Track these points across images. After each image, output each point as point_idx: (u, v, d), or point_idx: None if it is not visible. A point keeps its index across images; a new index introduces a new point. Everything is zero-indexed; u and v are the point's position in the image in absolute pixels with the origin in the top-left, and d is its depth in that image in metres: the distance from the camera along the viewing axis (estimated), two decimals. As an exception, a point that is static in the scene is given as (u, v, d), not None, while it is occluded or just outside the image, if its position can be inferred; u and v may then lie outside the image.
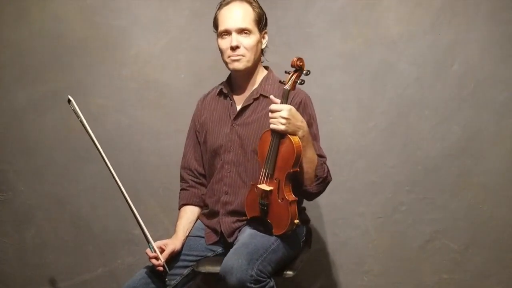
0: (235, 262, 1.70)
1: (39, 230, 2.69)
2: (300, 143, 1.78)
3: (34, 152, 2.67)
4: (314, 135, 1.94)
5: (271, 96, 1.84)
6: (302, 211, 2.07)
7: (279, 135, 1.79)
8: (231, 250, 1.80)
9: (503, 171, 2.44)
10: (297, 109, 1.87)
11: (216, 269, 1.85)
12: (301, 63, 1.79)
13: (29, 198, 2.69)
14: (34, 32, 2.64)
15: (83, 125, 1.91)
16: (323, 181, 1.89)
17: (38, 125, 2.66)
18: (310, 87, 2.48)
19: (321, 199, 2.52)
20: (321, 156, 1.92)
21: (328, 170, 1.92)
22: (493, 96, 2.43)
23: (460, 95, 2.45)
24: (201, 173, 2.12)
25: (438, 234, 2.48)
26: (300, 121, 1.80)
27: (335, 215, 2.54)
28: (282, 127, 1.76)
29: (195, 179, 2.11)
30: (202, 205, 2.11)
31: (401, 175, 2.50)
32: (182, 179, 2.14)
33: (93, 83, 2.64)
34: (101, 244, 2.66)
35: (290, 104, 1.84)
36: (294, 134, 1.78)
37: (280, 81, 1.85)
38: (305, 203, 2.14)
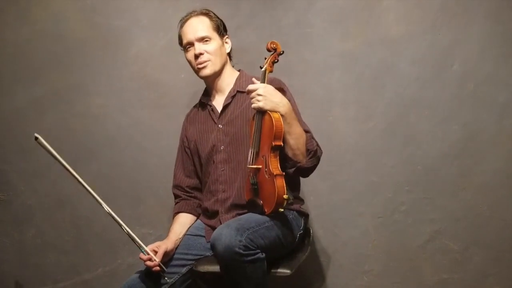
0: (224, 230, 1.73)
1: (39, 230, 2.69)
2: (280, 118, 1.85)
3: (34, 152, 2.67)
4: (297, 111, 2.03)
5: (253, 79, 1.96)
6: (299, 204, 2.10)
7: (261, 114, 1.90)
8: (223, 223, 1.85)
9: (503, 171, 2.44)
10: None
11: (214, 268, 1.85)
12: (274, 45, 1.95)
13: (29, 198, 2.69)
14: (35, 32, 2.64)
15: (56, 159, 1.94)
16: (315, 154, 1.95)
17: (38, 125, 2.66)
18: (310, 87, 2.49)
19: (321, 199, 2.53)
20: (306, 131, 1.98)
21: (317, 143, 1.98)
22: (493, 96, 2.43)
23: (460, 95, 2.45)
24: (193, 187, 2.20)
25: (438, 234, 2.48)
26: (278, 98, 1.89)
27: (335, 215, 2.54)
28: (259, 104, 1.87)
29: (187, 194, 2.20)
30: (195, 214, 2.17)
31: (401, 175, 2.50)
32: (175, 196, 2.23)
33: (93, 83, 2.64)
34: (101, 244, 2.66)
35: None
36: (274, 110, 1.86)
37: (260, 67, 1.95)
38: (305, 203, 2.14)
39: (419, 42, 2.46)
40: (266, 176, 1.85)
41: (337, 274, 2.56)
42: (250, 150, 1.94)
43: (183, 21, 2.14)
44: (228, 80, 2.15)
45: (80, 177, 1.94)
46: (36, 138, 1.94)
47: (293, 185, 2.06)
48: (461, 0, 2.43)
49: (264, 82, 1.92)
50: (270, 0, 2.55)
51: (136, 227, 2.60)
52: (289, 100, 2.00)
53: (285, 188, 1.83)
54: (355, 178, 2.53)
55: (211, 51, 2.07)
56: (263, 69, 1.93)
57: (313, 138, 1.98)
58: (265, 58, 1.96)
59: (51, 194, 2.67)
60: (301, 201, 2.13)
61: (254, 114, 1.93)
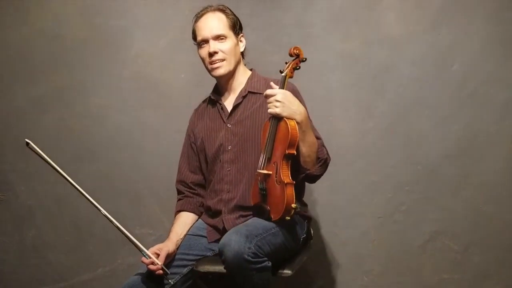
0: (233, 236, 1.72)
1: (39, 230, 2.69)
2: (296, 126, 1.81)
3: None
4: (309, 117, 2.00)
5: (271, 83, 1.91)
6: (303, 208, 2.09)
7: (277, 120, 1.85)
8: (231, 229, 1.83)
9: (503, 171, 2.44)
10: None
11: (215, 268, 1.85)
12: (297, 51, 1.89)
13: (29, 198, 2.69)
14: (34, 32, 2.64)
15: (50, 164, 1.89)
16: (324, 162, 1.94)
17: (38, 125, 2.66)
18: (310, 87, 2.49)
19: (321, 199, 2.53)
20: (317, 138, 1.96)
21: (327, 151, 1.97)
22: (493, 96, 2.43)
23: (460, 95, 2.45)
24: (197, 183, 2.17)
25: (438, 234, 2.48)
26: (296, 105, 1.85)
27: (335, 215, 2.54)
28: (277, 110, 1.82)
29: (191, 190, 2.17)
30: (198, 213, 2.15)
31: (401, 175, 2.50)
32: (178, 192, 2.20)
33: (93, 83, 2.64)
34: (101, 244, 2.66)
35: None
36: (290, 118, 1.83)
37: (280, 71, 1.91)
38: (306, 202, 2.14)
39: (419, 42, 2.46)
40: (276, 184, 1.83)
41: (337, 274, 2.56)
42: (261, 155, 1.89)
43: (199, 16, 2.09)
44: (240, 79, 2.11)
45: (75, 179, 1.92)
46: (27, 144, 1.89)
47: (299, 190, 2.02)
48: (461, 0, 2.43)
49: (283, 88, 1.86)
50: (270, 0, 2.55)
51: (136, 227, 2.61)
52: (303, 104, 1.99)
53: (294, 197, 1.81)
54: (355, 178, 2.53)
55: (226, 51, 2.03)
56: (283, 74, 1.88)
57: (323, 145, 1.96)
58: (286, 63, 1.91)
59: (51, 194, 2.67)
60: (305, 205, 2.12)
61: (270, 118, 1.88)
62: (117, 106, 2.64)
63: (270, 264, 1.77)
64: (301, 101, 2.01)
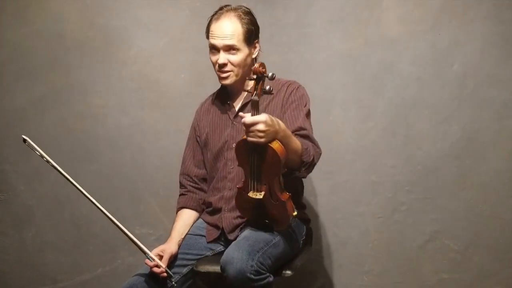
0: (235, 253, 1.70)
1: (39, 230, 2.69)
2: (281, 146, 1.72)
3: (34, 152, 2.66)
4: (306, 113, 1.99)
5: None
6: (302, 210, 2.08)
7: (259, 146, 1.73)
8: (233, 243, 1.81)
9: (503, 171, 2.44)
10: (290, 95, 2.00)
11: (215, 268, 1.85)
12: (263, 69, 1.70)
13: (29, 198, 2.69)
14: (34, 32, 2.64)
15: (46, 160, 1.87)
16: (311, 164, 1.87)
17: (38, 125, 2.66)
18: (310, 87, 2.49)
19: (321, 199, 2.53)
20: (307, 136, 1.89)
21: (314, 151, 1.88)
22: (493, 96, 2.43)
23: (460, 95, 2.45)
24: (200, 178, 2.15)
25: (438, 234, 2.48)
26: (276, 124, 1.71)
27: (335, 215, 2.54)
28: (261, 140, 1.69)
29: (194, 185, 2.15)
30: (200, 210, 2.14)
31: (401, 175, 2.50)
32: (181, 185, 2.18)
33: (93, 83, 2.64)
34: (101, 244, 2.66)
35: (285, 92, 2.00)
36: (273, 140, 1.72)
37: (247, 90, 1.81)
38: (305, 203, 2.14)
39: (419, 42, 2.46)
40: (274, 202, 1.80)
41: (337, 274, 2.56)
42: (248, 180, 1.80)
43: (215, 18, 1.98)
44: (249, 82, 2.00)
45: (75, 179, 1.91)
46: (24, 140, 1.85)
47: (297, 192, 2.03)
48: (461, 0, 2.43)
49: (258, 113, 1.69)
50: (270, 0, 2.55)
51: (136, 227, 2.61)
52: (307, 102, 2.00)
53: (293, 206, 1.81)
54: (355, 178, 2.53)
55: (235, 63, 1.97)
56: (254, 98, 1.69)
57: (313, 141, 1.90)
58: (251, 80, 1.73)
59: (50, 194, 2.67)
60: (304, 207, 2.11)
61: (242, 141, 1.76)
62: (117, 106, 2.64)
63: (272, 278, 1.76)
64: (306, 97, 2.03)
